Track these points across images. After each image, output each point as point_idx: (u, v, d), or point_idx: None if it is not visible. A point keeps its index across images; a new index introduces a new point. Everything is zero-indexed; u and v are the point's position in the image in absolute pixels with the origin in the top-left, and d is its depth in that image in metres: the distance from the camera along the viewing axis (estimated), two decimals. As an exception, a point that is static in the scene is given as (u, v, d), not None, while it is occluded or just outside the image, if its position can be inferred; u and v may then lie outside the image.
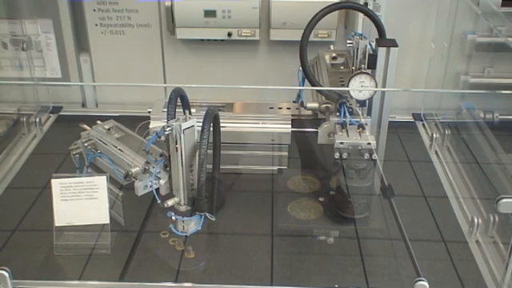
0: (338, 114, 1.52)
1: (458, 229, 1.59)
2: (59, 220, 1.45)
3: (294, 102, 1.83)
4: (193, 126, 1.37)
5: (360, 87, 1.48)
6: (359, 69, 1.51)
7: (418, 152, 1.97)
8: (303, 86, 1.77)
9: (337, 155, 1.45)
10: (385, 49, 1.54)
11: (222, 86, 1.98)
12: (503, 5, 1.91)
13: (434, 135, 1.97)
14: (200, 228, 1.45)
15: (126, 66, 2.15)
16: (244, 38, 2.02)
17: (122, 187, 1.53)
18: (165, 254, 1.48)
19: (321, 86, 1.64)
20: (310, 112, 1.68)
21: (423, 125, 2.13)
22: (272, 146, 1.74)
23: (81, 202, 1.45)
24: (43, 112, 2.14)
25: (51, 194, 1.44)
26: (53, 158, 1.84)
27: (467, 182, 1.74)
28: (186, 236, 1.52)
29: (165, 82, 2.18)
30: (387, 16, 1.83)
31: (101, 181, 1.45)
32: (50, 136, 2.05)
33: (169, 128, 1.33)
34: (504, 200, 1.19)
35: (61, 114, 2.19)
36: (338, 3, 1.63)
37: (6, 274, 1.27)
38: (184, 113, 1.39)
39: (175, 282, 1.39)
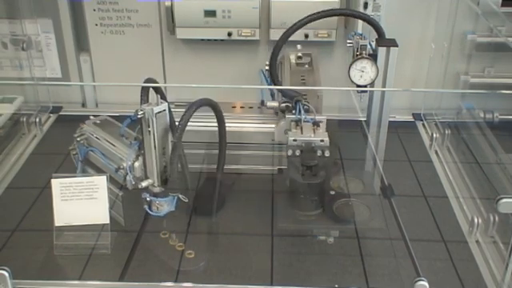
0: (293, 111, 1.53)
1: (458, 229, 1.59)
2: (59, 220, 1.45)
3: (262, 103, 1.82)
4: (164, 110, 1.43)
5: (361, 72, 1.53)
6: (360, 54, 1.52)
7: (418, 152, 1.97)
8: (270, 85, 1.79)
9: (289, 152, 1.46)
10: (385, 49, 1.54)
11: (222, 86, 1.99)
12: (503, 5, 1.91)
13: (434, 135, 1.97)
14: (173, 209, 1.48)
15: (125, 66, 2.14)
16: (244, 38, 2.02)
17: (122, 187, 1.53)
18: (165, 254, 1.48)
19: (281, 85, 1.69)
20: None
21: (423, 125, 2.12)
22: (272, 145, 1.74)
23: (81, 202, 1.45)
24: (43, 112, 2.14)
25: (51, 194, 1.44)
26: (53, 158, 1.84)
27: (467, 182, 1.74)
28: (186, 235, 1.52)
29: (165, 82, 2.18)
30: (387, 16, 1.84)
31: (101, 181, 1.45)
32: (50, 136, 2.05)
33: (141, 112, 1.39)
34: (504, 200, 1.19)
35: (61, 113, 2.19)
36: (329, 10, 1.64)
37: (6, 274, 1.27)
38: (157, 97, 1.44)
39: (175, 281, 1.39)
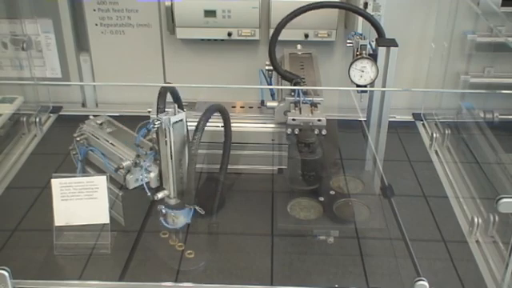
0: (292, 93, 1.62)
1: (458, 229, 1.59)
2: (59, 220, 1.45)
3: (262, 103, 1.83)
4: (182, 119, 1.40)
5: (361, 72, 1.56)
6: (360, 54, 1.53)
7: (417, 152, 1.97)
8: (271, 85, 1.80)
9: (289, 131, 1.54)
10: (385, 48, 1.54)
11: (222, 86, 1.99)
12: (503, 5, 1.91)
13: (434, 135, 1.97)
14: (189, 221, 1.47)
15: (125, 66, 2.15)
16: (244, 38, 2.02)
17: (122, 187, 1.53)
18: (165, 254, 1.48)
19: (284, 70, 1.70)
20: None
21: (423, 124, 2.13)
22: (272, 145, 1.74)
23: (81, 202, 1.45)
24: (43, 112, 2.14)
25: (51, 193, 1.44)
26: (53, 158, 1.84)
27: (467, 182, 1.74)
28: (186, 235, 1.52)
29: (165, 82, 2.18)
30: (387, 16, 1.83)
31: (101, 181, 1.45)
32: (50, 136, 2.05)
33: (158, 122, 1.36)
34: (504, 200, 1.19)
35: (61, 113, 2.19)
36: (330, 1, 1.64)
37: (6, 274, 1.27)
38: (174, 107, 1.41)
39: (175, 282, 1.39)
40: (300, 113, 1.56)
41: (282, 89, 1.72)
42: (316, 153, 1.55)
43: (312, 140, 1.53)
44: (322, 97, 1.62)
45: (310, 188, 1.61)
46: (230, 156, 1.60)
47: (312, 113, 1.56)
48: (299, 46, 1.90)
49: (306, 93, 1.61)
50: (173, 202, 1.44)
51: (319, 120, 1.54)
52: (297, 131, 1.54)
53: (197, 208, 1.44)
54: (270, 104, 1.66)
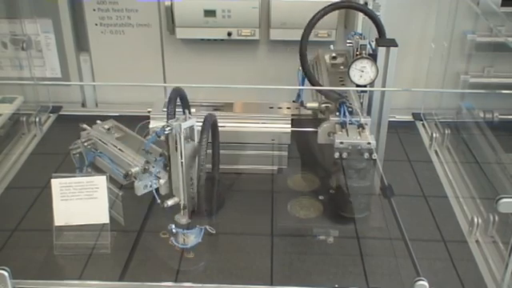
0: (337, 113, 1.51)
1: (458, 229, 1.59)
2: (59, 220, 1.45)
3: (293, 101, 1.83)
4: (192, 125, 1.38)
5: (361, 72, 1.49)
6: (360, 54, 1.52)
7: (418, 152, 1.97)
8: (303, 85, 1.77)
9: (337, 155, 1.44)
10: (385, 48, 1.54)
11: (222, 86, 1.98)
12: (503, 5, 1.91)
13: (434, 135, 1.97)
14: (200, 240, 1.45)
15: (125, 66, 2.15)
16: (244, 38, 2.02)
17: (122, 187, 1.53)
18: (165, 254, 1.48)
19: (321, 86, 1.65)
20: (309, 112, 1.68)
21: (423, 124, 2.13)
22: (272, 145, 1.74)
23: (81, 202, 1.45)
24: (43, 112, 2.14)
25: (51, 193, 1.44)
26: (53, 158, 1.84)
27: (467, 182, 1.74)
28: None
29: (165, 82, 2.18)
30: (387, 16, 1.83)
31: (101, 180, 1.45)
32: (50, 136, 2.05)
33: (168, 128, 1.34)
34: (504, 200, 1.19)
35: (61, 113, 2.19)
36: (336, 3, 1.63)
37: (6, 274, 1.27)
38: (184, 113, 1.39)
39: (175, 282, 1.39)
40: (347, 135, 1.46)
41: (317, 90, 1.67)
42: (366, 179, 1.49)
43: (362, 165, 1.46)
44: (368, 117, 1.53)
45: (360, 216, 1.54)
46: (220, 156, 1.58)
47: (360, 135, 1.46)
48: (332, 47, 1.88)
49: (351, 113, 1.50)
50: (184, 221, 1.43)
51: (368, 143, 1.43)
52: (345, 155, 1.44)
53: (207, 227, 1.43)
54: (310, 105, 1.60)
